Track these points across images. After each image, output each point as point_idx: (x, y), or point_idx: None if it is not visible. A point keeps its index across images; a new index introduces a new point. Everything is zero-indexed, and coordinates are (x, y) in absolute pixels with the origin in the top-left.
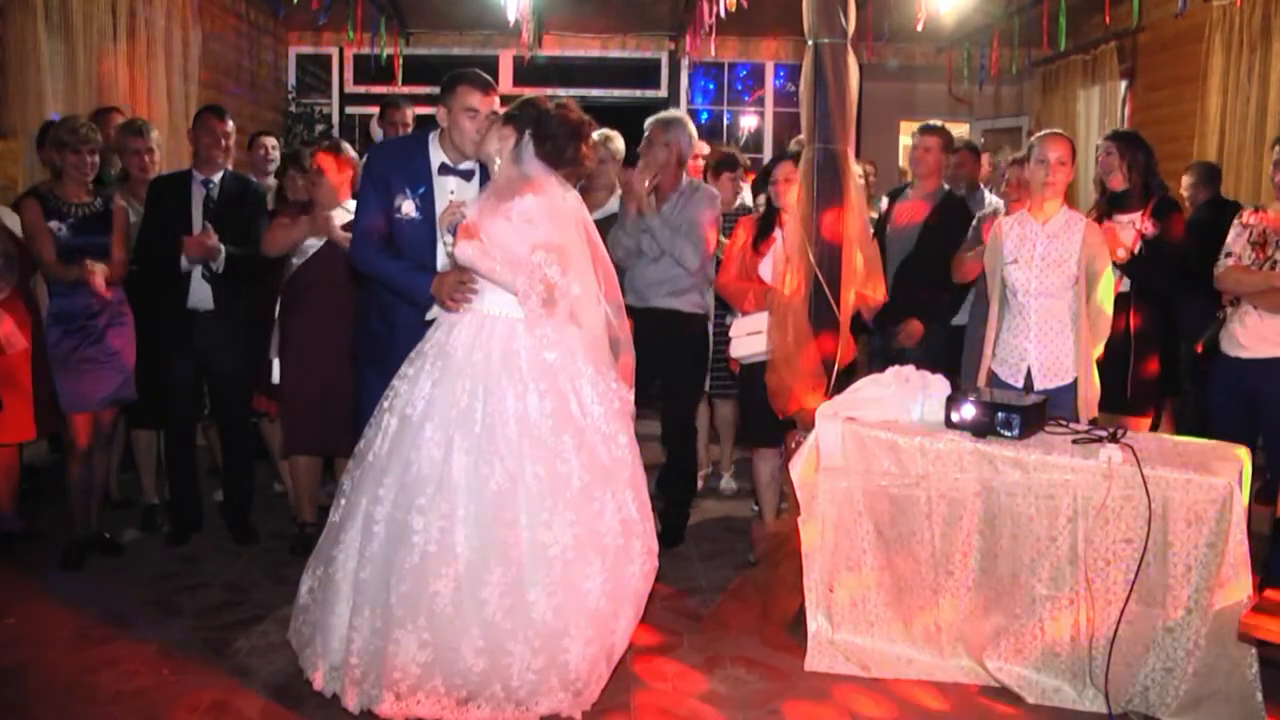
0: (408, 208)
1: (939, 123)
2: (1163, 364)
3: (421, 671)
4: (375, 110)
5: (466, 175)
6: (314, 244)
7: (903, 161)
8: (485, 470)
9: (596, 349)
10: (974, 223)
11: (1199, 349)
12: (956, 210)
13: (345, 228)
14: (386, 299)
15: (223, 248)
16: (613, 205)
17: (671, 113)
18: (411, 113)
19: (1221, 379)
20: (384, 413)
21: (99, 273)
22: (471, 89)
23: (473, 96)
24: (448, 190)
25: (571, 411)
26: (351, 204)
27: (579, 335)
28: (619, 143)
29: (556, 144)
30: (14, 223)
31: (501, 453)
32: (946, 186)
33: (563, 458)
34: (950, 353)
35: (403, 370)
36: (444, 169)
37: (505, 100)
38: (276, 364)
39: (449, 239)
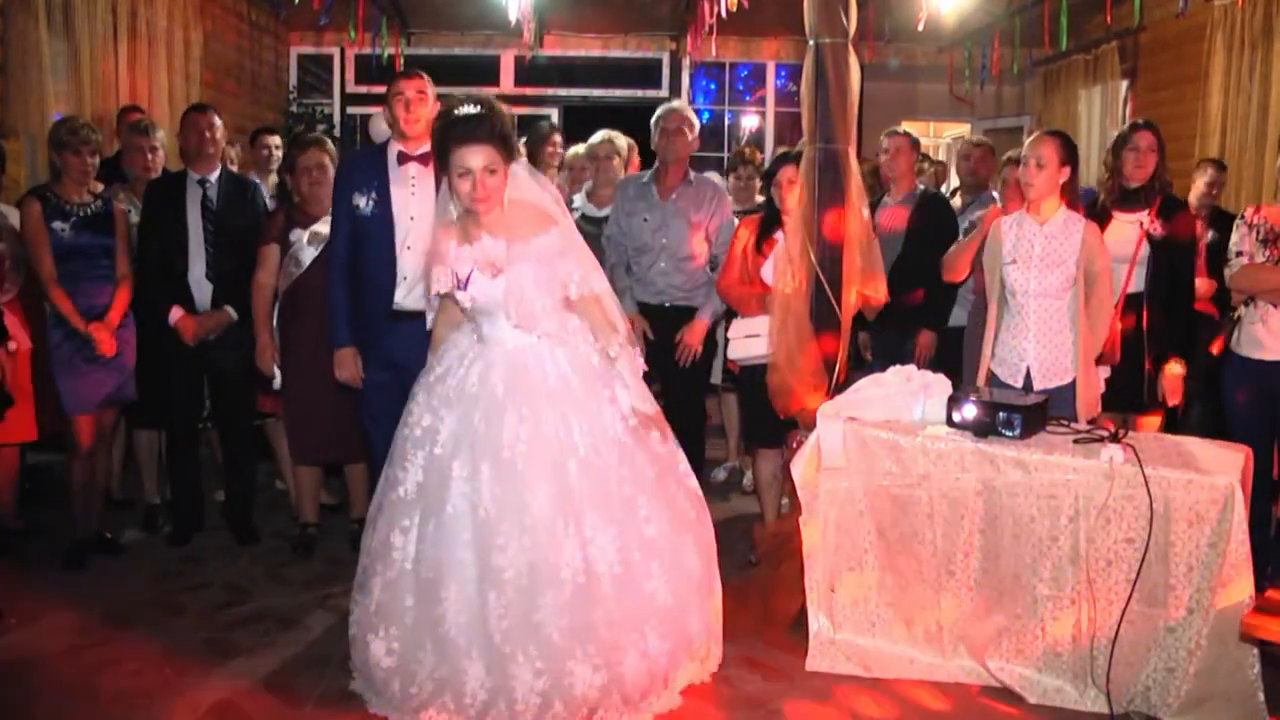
0: (365, 202)
1: (901, 128)
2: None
3: (488, 697)
4: (376, 110)
5: (424, 160)
6: (312, 252)
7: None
8: (526, 497)
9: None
10: (968, 223)
11: (1216, 350)
12: (938, 208)
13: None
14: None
15: (231, 314)
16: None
17: (680, 103)
18: None
19: (1239, 381)
20: (406, 443)
21: (105, 341)
22: (395, 79)
23: (395, 84)
24: (409, 177)
25: (605, 424)
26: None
27: (597, 348)
28: (622, 141)
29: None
30: (18, 220)
31: (538, 477)
32: (921, 186)
33: (604, 474)
34: (950, 353)
35: (424, 400)
36: (402, 157)
37: (505, 99)
38: (277, 372)
39: (462, 294)
